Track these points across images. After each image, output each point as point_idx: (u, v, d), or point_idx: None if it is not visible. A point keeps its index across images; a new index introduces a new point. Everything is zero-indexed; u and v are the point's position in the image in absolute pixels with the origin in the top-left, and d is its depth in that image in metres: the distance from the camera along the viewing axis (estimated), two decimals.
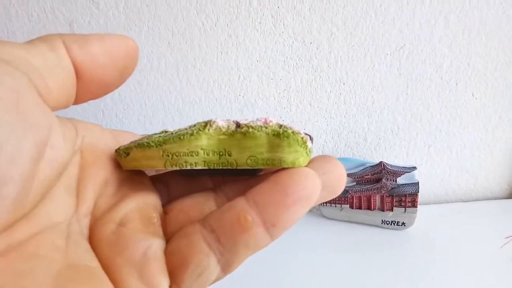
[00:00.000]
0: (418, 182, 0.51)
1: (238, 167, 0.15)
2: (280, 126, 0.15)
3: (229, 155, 0.15)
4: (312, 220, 0.57)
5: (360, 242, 0.52)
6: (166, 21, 0.49)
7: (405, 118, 0.57)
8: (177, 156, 0.15)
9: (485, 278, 0.44)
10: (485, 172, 0.61)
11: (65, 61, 0.14)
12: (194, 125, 0.16)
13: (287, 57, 0.52)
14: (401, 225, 0.53)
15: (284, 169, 0.15)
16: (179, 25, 0.50)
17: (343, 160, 0.56)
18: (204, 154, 0.15)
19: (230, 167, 0.15)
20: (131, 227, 0.15)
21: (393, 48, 0.53)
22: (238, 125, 0.15)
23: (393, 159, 0.59)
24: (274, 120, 0.15)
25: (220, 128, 0.15)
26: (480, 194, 0.63)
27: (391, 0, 0.50)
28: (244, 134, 0.15)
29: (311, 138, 0.16)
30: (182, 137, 0.15)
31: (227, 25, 0.50)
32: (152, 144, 0.15)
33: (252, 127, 0.15)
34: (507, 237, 0.50)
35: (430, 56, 0.53)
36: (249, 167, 0.15)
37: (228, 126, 0.15)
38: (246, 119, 0.16)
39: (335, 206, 0.56)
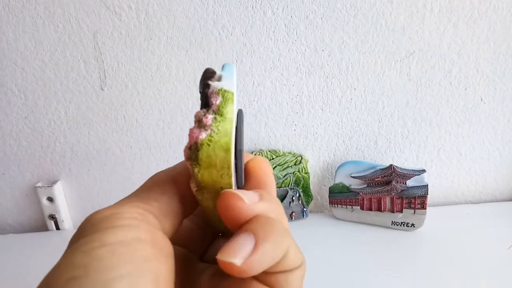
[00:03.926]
0: (427, 185, 0.53)
1: None
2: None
3: None
4: (324, 221, 0.59)
5: (370, 242, 0.53)
6: (184, 31, 0.52)
7: (415, 122, 0.58)
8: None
9: (493, 278, 0.45)
10: (494, 174, 0.62)
11: None
12: None
13: (299, 64, 0.54)
14: (411, 226, 0.55)
15: None
16: (196, 35, 0.52)
17: (354, 163, 0.58)
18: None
19: None
20: None
21: (403, 55, 0.54)
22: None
23: (403, 162, 0.60)
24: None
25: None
26: (489, 196, 0.64)
27: (401, 9, 0.52)
28: None
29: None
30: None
31: (242, 34, 0.52)
32: None
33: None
34: None
35: (440, 62, 0.55)
36: None
37: None
38: None
39: (346, 208, 0.58)
